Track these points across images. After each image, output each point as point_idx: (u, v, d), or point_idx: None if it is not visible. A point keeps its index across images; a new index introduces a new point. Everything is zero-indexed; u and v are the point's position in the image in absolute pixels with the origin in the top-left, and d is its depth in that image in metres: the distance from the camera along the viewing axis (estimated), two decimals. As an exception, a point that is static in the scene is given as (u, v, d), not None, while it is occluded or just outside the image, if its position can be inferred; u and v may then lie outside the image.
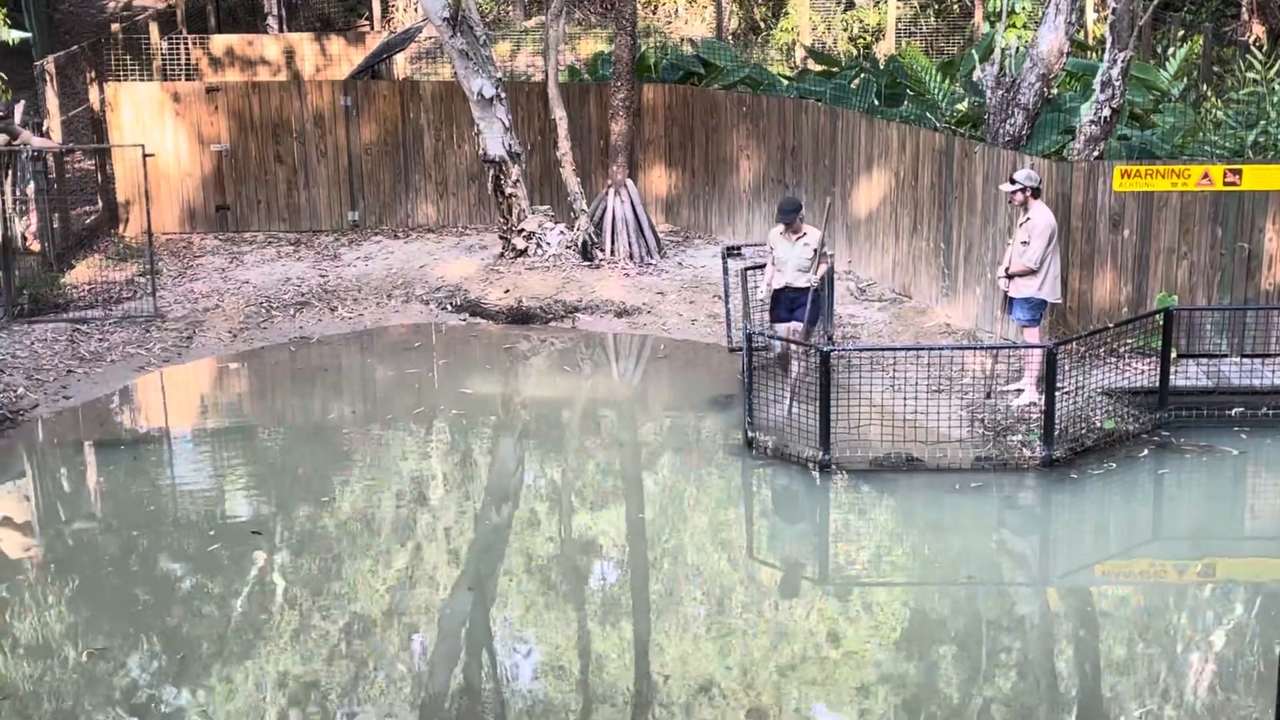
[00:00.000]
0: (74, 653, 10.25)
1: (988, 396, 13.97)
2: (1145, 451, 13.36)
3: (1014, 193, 13.68)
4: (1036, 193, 13.70)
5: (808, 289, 14.00)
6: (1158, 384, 13.79)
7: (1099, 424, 13.46)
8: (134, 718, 9.52)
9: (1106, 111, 15.07)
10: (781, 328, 14.21)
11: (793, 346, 13.69)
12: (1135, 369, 14.08)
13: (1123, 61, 14.94)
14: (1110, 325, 14.04)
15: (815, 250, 14.05)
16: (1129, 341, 14.44)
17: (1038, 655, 10.43)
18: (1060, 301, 14.12)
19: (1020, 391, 13.95)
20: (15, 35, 18.69)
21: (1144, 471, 13.12)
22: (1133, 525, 12.65)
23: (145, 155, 18.07)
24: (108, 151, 19.96)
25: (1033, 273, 13.62)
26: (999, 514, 12.55)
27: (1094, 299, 14.72)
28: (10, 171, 17.11)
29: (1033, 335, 13.87)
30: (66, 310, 16.98)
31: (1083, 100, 16.96)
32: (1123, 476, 12.97)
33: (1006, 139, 15.83)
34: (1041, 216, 13.63)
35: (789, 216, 14.04)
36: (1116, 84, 14.98)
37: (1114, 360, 14.22)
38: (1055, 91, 17.17)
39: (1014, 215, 14.09)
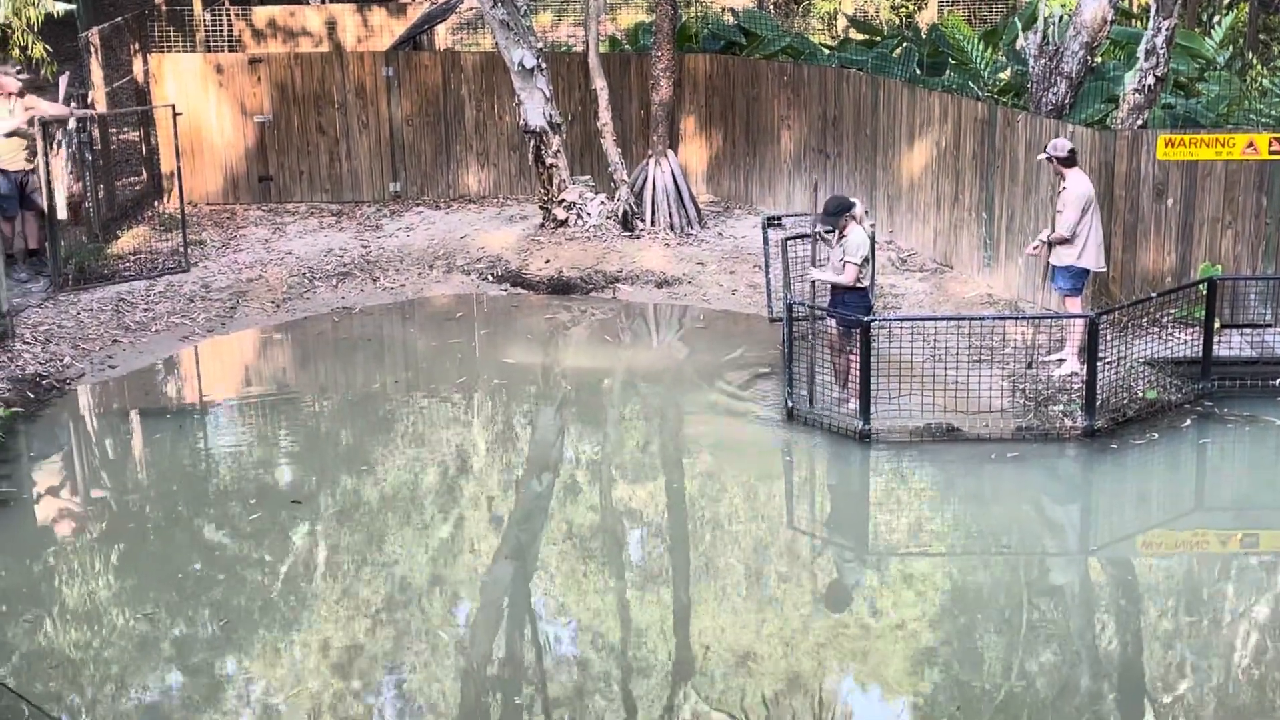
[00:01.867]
0: (121, 619, 10.39)
1: (1029, 367, 13.93)
2: (1188, 422, 13.30)
3: (1047, 160, 13.69)
4: (1072, 161, 13.65)
5: (841, 290, 13.17)
6: (1201, 354, 13.72)
7: (1141, 394, 13.41)
8: (182, 682, 9.65)
9: (1150, 80, 14.97)
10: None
11: (834, 337, 13.47)
12: (1178, 339, 14.02)
13: (1167, 29, 14.82)
14: (1153, 295, 13.95)
15: (841, 257, 13.09)
16: (1172, 311, 14.38)
17: (1080, 626, 10.42)
18: (1103, 270, 14.03)
19: (1062, 361, 13.90)
20: (60, 7, 18.83)
21: (1186, 442, 13.07)
22: (1175, 496, 12.62)
23: (175, 114, 18.23)
24: (152, 123, 20.10)
25: (1068, 241, 13.55)
26: (1040, 484, 12.53)
27: (1137, 268, 14.65)
28: (56, 143, 17.24)
29: (1074, 304, 13.81)
30: (112, 280, 17.13)
31: (1126, 68, 16.85)
32: (1165, 447, 12.92)
33: (1049, 108, 15.75)
34: (1075, 185, 13.57)
35: (828, 218, 13.20)
36: (1161, 52, 14.86)
37: (1157, 330, 14.15)
38: (1099, 60, 17.05)
39: (1056, 184, 14.02)
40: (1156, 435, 13.04)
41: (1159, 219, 14.58)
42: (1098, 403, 12.92)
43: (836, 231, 13.23)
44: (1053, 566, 11.35)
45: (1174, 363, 13.79)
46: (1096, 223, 13.70)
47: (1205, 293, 13.69)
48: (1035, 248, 13.87)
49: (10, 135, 16.67)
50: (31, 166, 16.75)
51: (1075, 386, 13.41)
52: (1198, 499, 12.64)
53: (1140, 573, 11.35)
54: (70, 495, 12.72)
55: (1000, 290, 15.90)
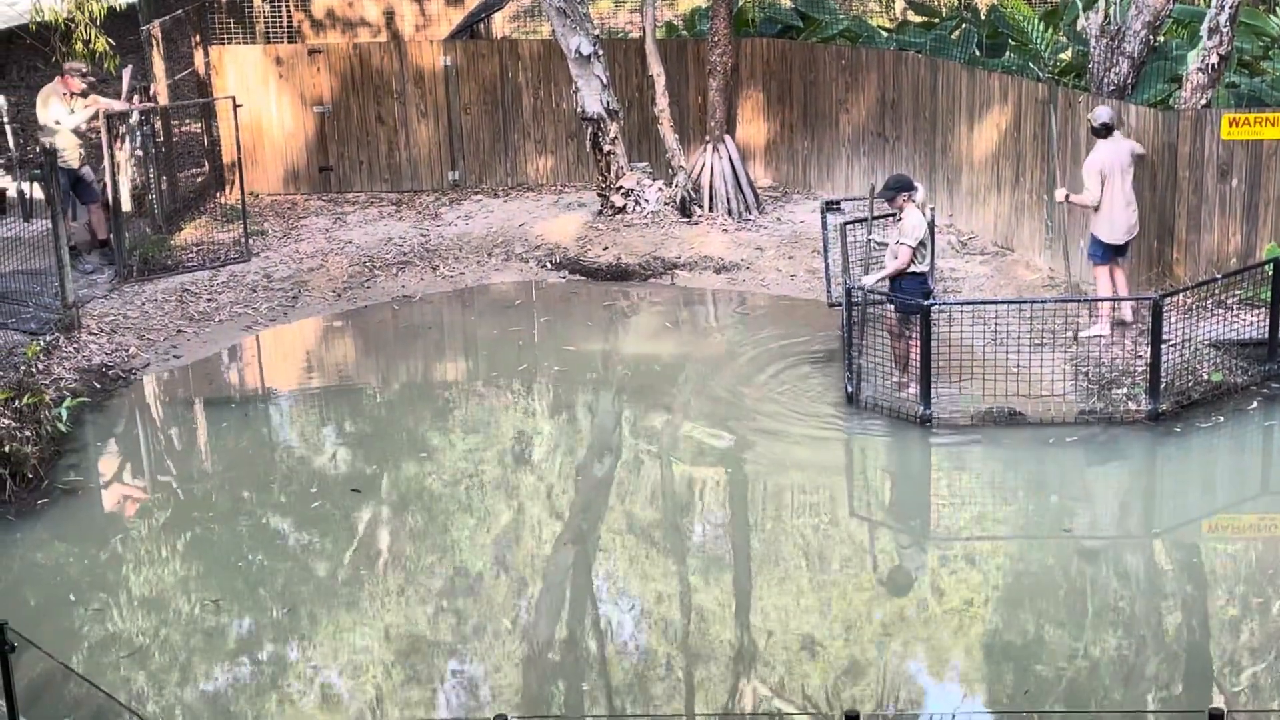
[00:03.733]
0: (187, 606, 10.50)
1: (1074, 340, 13.88)
2: (1254, 404, 13.16)
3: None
4: (1100, 132, 13.92)
5: (898, 274, 13.09)
6: (1267, 335, 13.56)
7: (1206, 377, 13.27)
8: (247, 669, 9.75)
9: (1214, 59, 14.78)
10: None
11: (892, 322, 13.45)
12: (1244, 320, 13.86)
13: (1230, 7, 14.64)
14: (1218, 276, 13.82)
15: (897, 239, 13.11)
16: (1237, 293, 14.21)
17: (1146, 611, 10.34)
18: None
19: (1095, 324, 14.05)
20: (122, 0, 18.99)
21: (1252, 425, 12.93)
22: (1241, 479, 12.49)
23: (236, 106, 18.42)
24: (213, 114, 20.27)
25: (1093, 208, 13.92)
26: (1104, 468, 12.43)
27: (1201, 250, 14.48)
28: (119, 136, 17.42)
29: (1100, 273, 14.06)
30: (176, 271, 17.31)
31: (1189, 48, 16.65)
32: (1230, 430, 12.78)
33: (1111, 88, 15.59)
34: (1093, 153, 13.94)
35: (886, 192, 13.30)
36: (1224, 30, 14.68)
37: (1222, 312, 14.00)
38: (1161, 39, 16.86)
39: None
40: (1222, 418, 12.91)
41: (1223, 200, 14.41)
42: (1162, 386, 12.80)
43: (895, 213, 13.22)
44: (1118, 551, 11.26)
45: (1239, 345, 13.64)
46: (1114, 195, 13.83)
47: (1271, 273, 13.53)
48: (1064, 196, 14.20)
49: (73, 131, 16.86)
50: (83, 164, 16.96)
51: (1138, 369, 13.29)
52: (1264, 482, 12.50)
53: (1206, 557, 11.24)
54: (136, 484, 12.88)
55: (1062, 273, 15.77)
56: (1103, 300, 14.05)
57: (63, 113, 16.80)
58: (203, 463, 13.30)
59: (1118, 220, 13.84)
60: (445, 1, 24.36)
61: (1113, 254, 14.01)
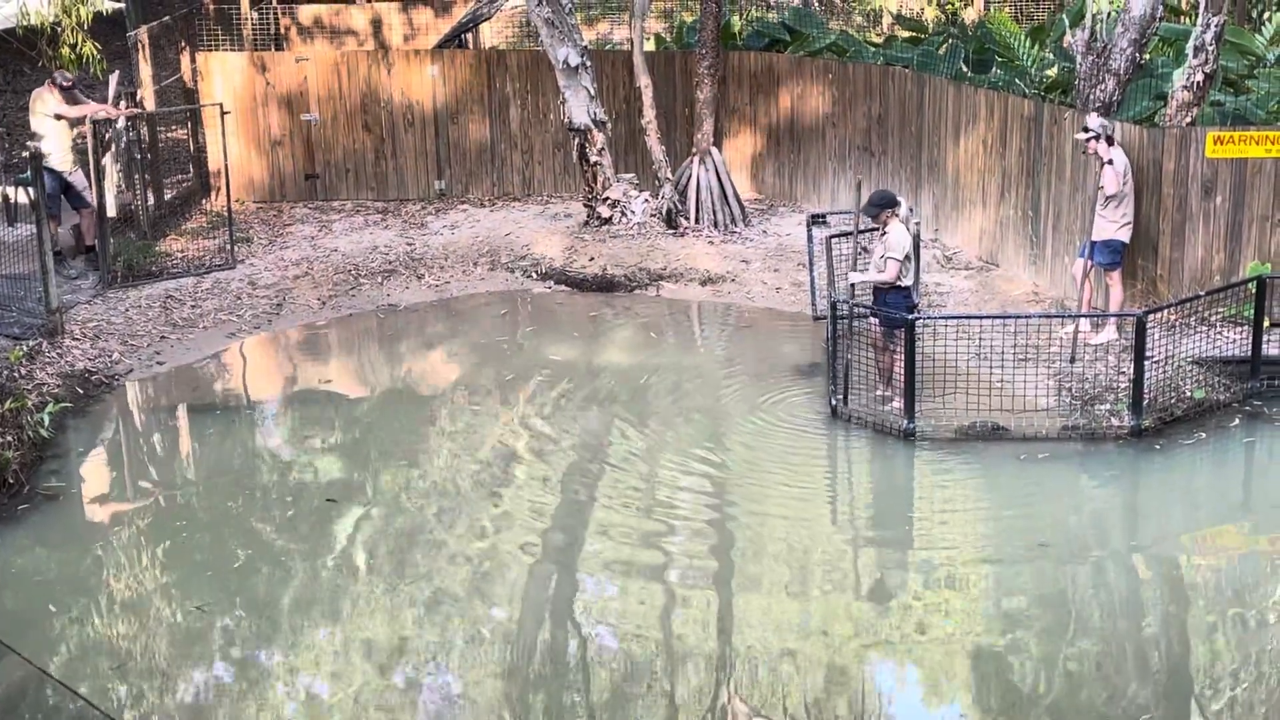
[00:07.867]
0: (168, 612, 10.47)
1: (1071, 361, 13.87)
2: (1236, 421, 13.20)
3: (1088, 140, 14.06)
4: (1110, 139, 14.04)
5: (883, 288, 13.22)
6: (1250, 353, 13.61)
7: (1189, 393, 13.31)
8: (229, 677, 9.73)
9: (1199, 77, 14.85)
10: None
11: (877, 335, 13.51)
12: (1227, 338, 13.91)
13: (1216, 26, 14.71)
14: (1202, 293, 13.87)
15: (882, 254, 13.21)
16: (1221, 310, 14.27)
17: (1128, 628, 10.35)
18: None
19: (1099, 331, 14.25)
20: (109, 6, 18.97)
21: (1235, 441, 12.96)
22: (1223, 496, 12.51)
23: (223, 113, 18.39)
24: (200, 121, 20.25)
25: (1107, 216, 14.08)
26: (1086, 484, 12.45)
27: (1185, 267, 14.54)
28: (105, 141, 17.39)
29: (1115, 278, 14.19)
30: (160, 277, 17.26)
31: (1175, 66, 16.73)
32: (1213, 447, 12.82)
33: (1097, 105, 15.64)
34: (1121, 157, 14.06)
35: (869, 209, 13.37)
36: (1210, 49, 14.75)
37: (1205, 329, 14.05)
38: (1147, 57, 16.93)
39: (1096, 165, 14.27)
40: (1204, 435, 12.94)
41: (1207, 217, 14.47)
42: (1145, 402, 12.84)
43: (879, 228, 13.27)
44: (1099, 567, 11.26)
45: (1222, 362, 13.69)
46: (1134, 197, 14.22)
47: (1254, 291, 13.58)
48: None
49: (59, 119, 16.78)
50: (75, 168, 16.92)
51: (1122, 385, 13.32)
52: (1245, 499, 12.53)
53: (1187, 574, 11.26)
54: (119, 490, 12.83)
55: (1046, 288, 15.82)
56: (1086, 316, 14.12)
57: (56, 106, 16.75)
58: (184, 469, 13.26)
59: (1133, 220, 14.27)
60: (434, 12, 24.40)
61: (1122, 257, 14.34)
